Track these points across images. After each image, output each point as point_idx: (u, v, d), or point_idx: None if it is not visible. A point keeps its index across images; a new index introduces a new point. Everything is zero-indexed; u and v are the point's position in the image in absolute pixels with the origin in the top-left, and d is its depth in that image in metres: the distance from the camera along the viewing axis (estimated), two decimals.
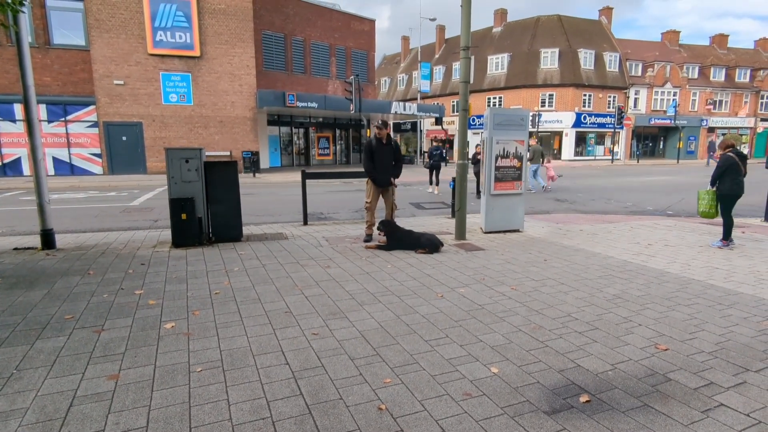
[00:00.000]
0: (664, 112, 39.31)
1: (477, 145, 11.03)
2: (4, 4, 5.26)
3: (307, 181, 8.56)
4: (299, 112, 25.73)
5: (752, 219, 9.55)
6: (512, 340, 3.49)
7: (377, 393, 2.75)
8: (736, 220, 7.40)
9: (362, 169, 7.15)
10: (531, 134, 10.82)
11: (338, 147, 30.76)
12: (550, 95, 36.92)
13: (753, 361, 3.17)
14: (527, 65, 37.67)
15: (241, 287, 4.77)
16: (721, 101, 41.97)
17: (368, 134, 26.65)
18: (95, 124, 20.21)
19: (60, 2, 19.34)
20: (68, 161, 20.29)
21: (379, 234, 6.65)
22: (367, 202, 7.00)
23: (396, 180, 7.09)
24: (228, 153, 21.72)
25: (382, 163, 6.83)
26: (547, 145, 37.87)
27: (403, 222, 7.92)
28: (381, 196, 7.04)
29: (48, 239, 6.50)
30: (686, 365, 3.11)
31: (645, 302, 4.36)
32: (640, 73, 39.25)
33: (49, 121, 19.63)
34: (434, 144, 18.41)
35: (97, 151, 20.46)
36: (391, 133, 7.08)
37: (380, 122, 6.91)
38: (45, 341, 3.44)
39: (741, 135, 42.25)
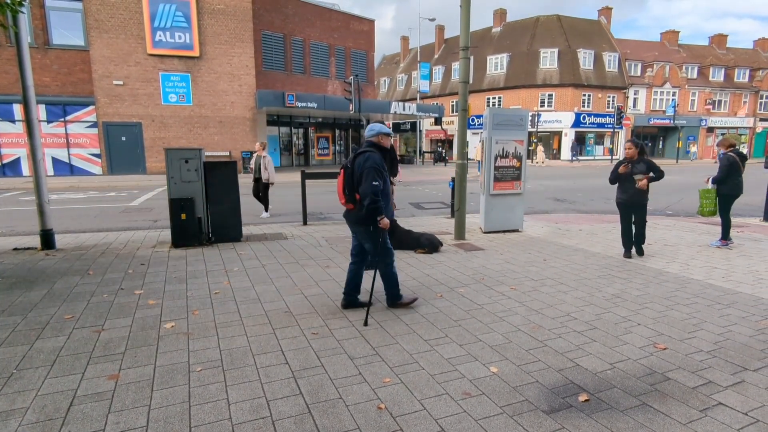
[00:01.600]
0: (664, 112, 39.34)
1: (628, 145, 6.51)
2: (3, 5, 5.26)
3: (307, 181, 8.56)
4: (299, 112, 25.72)
5: (751, 219, 9.56)
6: (511, 340, 3.50)
7: (377, 392, 2.75)
8: (735, 220, 7.42)
9: None
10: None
11: (338, 147, 30.75)
12: (549, 95, 36.92)
13: (751, 360, 3.18)
14: (526, 65, 37.68)
15: (241, 287, 4.77)
16: (720, 101, 42.00)
17: None
18: (94, 125, 20.20)
19: (59, 2, 19.33)
20: (68, 161, 20.28)
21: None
22: None
23: (394, 179, 7.10)
24: (227, 153, 21.73)
25: None
26: (547, 145, 37.91)
27: (403, 222, 7.92)
28: None
29: (48, 239, 6.50)
30: (685, 364, 3.12)
31: (644, 302, 4.37)
32: (639, 73, 39.27)
33: (49, 122, 19.62)
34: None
35: (97, 151, 20.45)
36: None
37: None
38: (45, 341, 3.44)
39: (740, 135, 42.27)
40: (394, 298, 4.14)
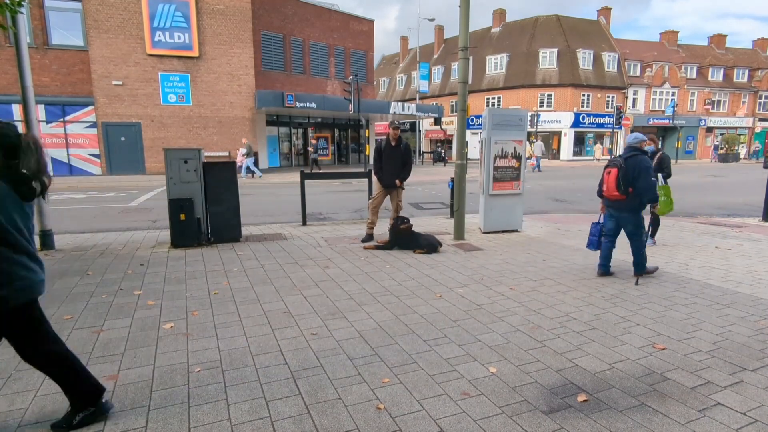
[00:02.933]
0: (663, 112, 39.37)
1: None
2: (2, 5, 5.26)
3: (306, 181, 8.56)
4: (298, 113, 25.72)
5: (750, 219, 9.57)
6: (510, 340, 3.50)
7: (375, 393, 2.75)
8: (734, 220, 7.42)
9: (361, 170, 7.17)
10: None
11: (337, 147, 30.77)
12: (548, 95, 36.94)
13: (750, 360, 3.19)
14: (526, 65, 37.70)
15: (240, 287, 4.77)
16: (719, 101, 42.04)
17: (366, 134, 26.70)
18: (94, 125, 20.18)
19: (58, 2, 19.32)
20: (67, 162, 20.27)
21: (404, 226, 6.57)
22: (371, 199, 7.03)
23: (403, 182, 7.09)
24: (227, 153, 21.72)
25: (389, 163, 6.82)
26: (546, 145, 37.93)
27: None
28: (387, 196, 7.07)
29: (46, 240, 6.50)
30: (684, 364, 3.13)
31: (643, 302, 4.38)
32: (638, 73, 39.31)
33: (48, 122, 19.60)
34: (313, 142, 24.42)
35: (96, 151, 20.44)
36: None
37: (397, 123, 6.94)
38: None
39: (739, 135, 42.32)
40: (641, 268, 5.13)
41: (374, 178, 7.12)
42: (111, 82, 19.79)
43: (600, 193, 5.23)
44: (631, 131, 38.74)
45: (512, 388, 2.82)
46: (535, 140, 29.71)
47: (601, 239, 5.30)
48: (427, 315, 4.01)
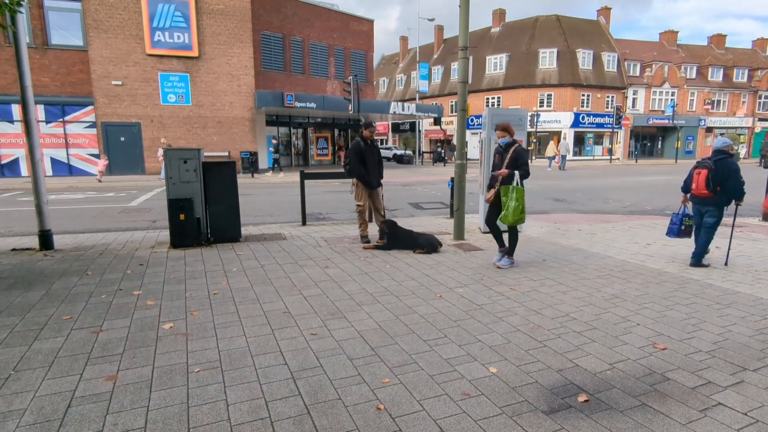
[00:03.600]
0: (663, 112, 39.39)
1: None
2: (2, 5, 5.25)
3: (306, 181, 8.55)
4: (298, 113, 25.71)
5: (750, 218, 9.57)
6: (511, 340, 3.50)
7: (376, 393, 2.75)
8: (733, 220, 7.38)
9: None
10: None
11: (337, 147, 30.74)
12: (548, 95, 36.95)
13: (751, 360, 3.18)
14: (526, 65, 37.70)
15: (240, 288, 4.76)
16: (719, 101, 42.06)
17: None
18: (93, 125, 20.18)
19: (58, 2, 19.31)
20: (66, 162, 20.26)
21: (383, 229, 6.58)
22: (358, 205, 6.89)
23: (390, 180, 7.05)
24: (226, 153, 21.71)
25: (371, 164, 6.76)
26: (546, 145, 37.96)
27: (402, 222, 7.90)
28: (370, 197, 6.98)
29: (46, 240, 6.49)
30: (684, 364, 3.12)
31: (643, 302, 4.37)
32: (638, 73, 39.33)
33: (47, 122, 19.60)
34: (274, 142, 24.13)
35: (96, 151, 20.42)
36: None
37: (374, 125, 6.90)
38: (43, 342, 3.43)
39: (739, 135, 42.35)
40: (699, 258, 5.69)
41: (355, 183, 6.81)
42: (110, 82, 19.78)
43: (685, 189, 5.80)
44: (631, 131, 38.66)
45: (513, 388, 2.81)
46: (562, 139, 30.30)
47: (681, 228, 5.82)
48: (427, 315, 4.00)
